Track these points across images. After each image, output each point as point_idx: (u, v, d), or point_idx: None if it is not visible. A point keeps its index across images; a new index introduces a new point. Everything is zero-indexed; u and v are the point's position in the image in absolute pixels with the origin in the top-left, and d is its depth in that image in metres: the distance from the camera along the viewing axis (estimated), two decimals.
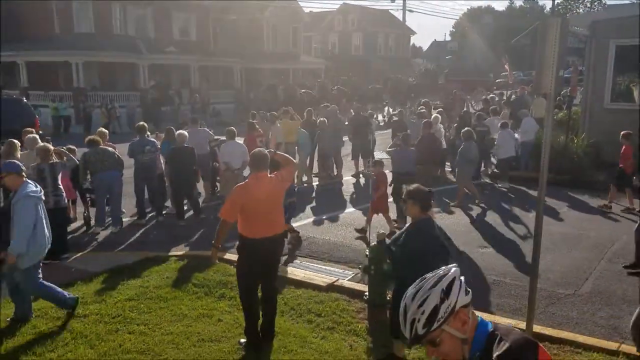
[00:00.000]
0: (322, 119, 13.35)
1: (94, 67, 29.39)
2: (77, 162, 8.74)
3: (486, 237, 8.74)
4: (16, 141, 7.98)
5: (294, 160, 6.05)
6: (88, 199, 9.47)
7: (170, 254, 7.92)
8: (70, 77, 27.96)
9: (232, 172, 10.04)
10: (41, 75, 28.57)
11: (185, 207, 10.02)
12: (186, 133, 9.79)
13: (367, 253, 6.16)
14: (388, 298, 5.98)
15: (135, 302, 6.05)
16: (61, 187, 7.66)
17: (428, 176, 9.96)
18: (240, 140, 11.01)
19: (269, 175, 5.15)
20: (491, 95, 22.37)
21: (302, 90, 28.94)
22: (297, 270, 7.15)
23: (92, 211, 9.40)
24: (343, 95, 27.29)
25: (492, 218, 9.91)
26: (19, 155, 7.89)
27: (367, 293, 6.16)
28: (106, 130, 10.46)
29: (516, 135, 12.77)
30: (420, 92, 29.44)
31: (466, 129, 11.27)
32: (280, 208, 5.37)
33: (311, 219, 10.02)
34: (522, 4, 78.06)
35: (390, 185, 9.25)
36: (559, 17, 4.42)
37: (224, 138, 10.86)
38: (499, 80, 41.39)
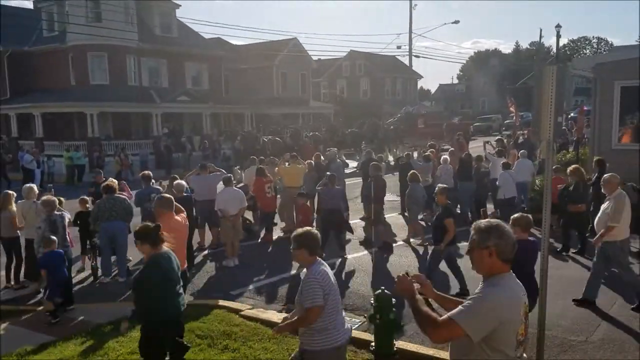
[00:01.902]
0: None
1: (108, 117, 30.08)
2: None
3: None
4: (12, 192, 8.08)
5: None
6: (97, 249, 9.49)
7: None
8: (85, 127, 28.61)
9: (228, 219, 9.96)
10: (56, 126, 29.26)
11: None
12: (184, 182, 9.82)
13: (372, 301, 6.07)
14: (395, 349, 5.87)
15: (137, 355, 5.96)
16: (68, 237, 7.73)
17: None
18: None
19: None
20: (498, 137, 22.41)
21: (311, 133, 28.91)
22: None
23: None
24: (319, 141, 26.19)
25: None
26: (14, 207, 7.99)
27: (373, 343, 6.03)
28: (115, 181, 10.59)
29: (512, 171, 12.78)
30: (399, 137, 28.75)
31: (411, 172, 11.76)
32: None
33: None
34: (528, 47, 79.29)
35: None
36: (556, 65, 4.46)
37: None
38: (507, 121, 41.60)
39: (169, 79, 33.40)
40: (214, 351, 6.15)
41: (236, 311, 7.34)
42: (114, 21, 28.54)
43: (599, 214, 7.46)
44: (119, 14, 29.35)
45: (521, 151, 14.66)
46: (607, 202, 7.30)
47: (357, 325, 6.97)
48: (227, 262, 9.89)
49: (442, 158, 15.89)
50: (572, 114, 29.70)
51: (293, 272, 9.50)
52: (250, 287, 8.76)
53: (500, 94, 49.91)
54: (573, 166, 10.10)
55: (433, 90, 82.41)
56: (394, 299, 5.99)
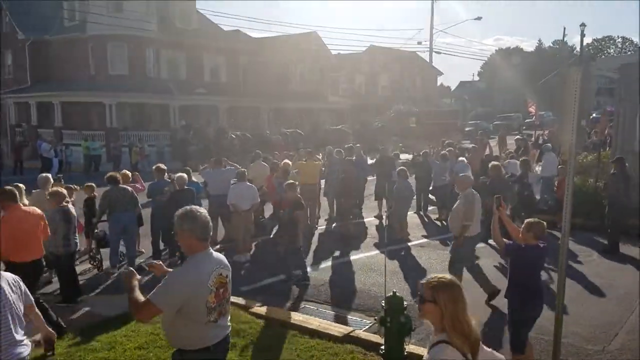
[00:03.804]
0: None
1: (127, 108, 30.22)
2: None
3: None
4: (22, 185, 8.08)
5: None
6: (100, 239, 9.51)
7: None
8: (104, 117, 28.78)
9: (239, 214, 9.88)
10: (75, 115, 29.48)
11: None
12: (185, 176, 9.71)
13: (383, 303, 5.94)
14: (405, 353, 5.74)
15: (145, 350, 5.93)
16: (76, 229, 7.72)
17: None
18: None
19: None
20: (518, 136, 22.04)
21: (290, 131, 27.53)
22: (311, 319, 6.94)
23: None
24: (299, 139, 25.20)
25: None
26: (26, 200, 7.96)
27: (383, 346, 5.91)
28: (129, 173, 10.59)
29: (537, 169, 12.49)
30: (389, 137, 27.48)
31: (400, 168, 11.52)
32: None
33: (329, 263, 9.83)
34: (551, 45, 78.07)
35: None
36: (580, 66, 4.27)
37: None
38: (528, 120, 41.04)
39: (187, 71, 33.43)
40: None
41: (245, 308, 7.26)
42: (134, 12, 28.64)
43: (451, 213, 7.94)
44: (139, 5, 29.45)
45: (545, 145, 14.37)
46: (458, 200, 7.81)
47: (367, 327, 6.85)
48: (238, 257, 9.82)
49: (459, 159, 15.66)
50: (594, 115, 29.15)
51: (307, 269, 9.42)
52: (261, 283, 8.68)
53: (521, 93, 49.18)
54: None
55: (453, 87, 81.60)
56: (405, 302, 5.86)
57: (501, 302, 7.58)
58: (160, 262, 3.82)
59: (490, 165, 11.66)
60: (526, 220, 5.59)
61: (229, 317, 3.63)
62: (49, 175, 9.28)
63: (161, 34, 31.01)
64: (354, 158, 13.89)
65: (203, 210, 3.48)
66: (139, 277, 3.48)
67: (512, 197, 10.59)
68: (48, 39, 30.87)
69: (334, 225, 12.98)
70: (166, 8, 32.37)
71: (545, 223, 5.58)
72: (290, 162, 13.08)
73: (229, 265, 3.63)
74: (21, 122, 31.75)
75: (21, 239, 5.94)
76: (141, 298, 3.30)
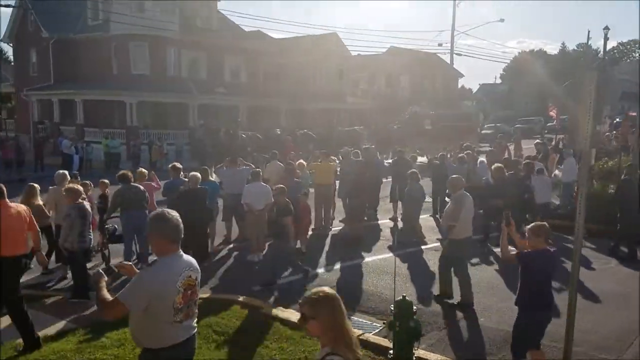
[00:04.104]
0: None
1: (147, 107, 30.53)
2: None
3: None
4: (36, 185, 8.17)
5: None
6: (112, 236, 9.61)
7: None
8: (124, 115, 29.15)
9: (253, 213, 9.90)
10: (97, 113, 29.88)
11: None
12: (199, 175, 9.72)
13: (392, 308, 5.89)
14: (414, 358, 5.68)
15: None
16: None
17: None
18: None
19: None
20: (537, 140, 21.72)
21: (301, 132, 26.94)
22: None
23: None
24: (310, 140, 24.82)
25: None
26: (39, 201, 8.07)
27: (392, 351, 5.86)
28: (146, 171, 10.68)
29: (557, 173, 12.32)
30: (404, 138, 26.91)
31: (412, 170, 11.34)
32: None
33: (342, 264, 9.79)
34: (575, 48, 76.91)
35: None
36: (596, 71, 4.17)
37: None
38: (549, 124, 40.45)
39: (207, 71, 33.66)
40: (230, 348, 6.09)
41: (256, 308, 7.28)
42: (156, 12, 28.95)
43: (443, 214, 8.02)
44: (161, 5, 29.76)
45: (564, 150, 14.18)
46: (449, 202, 7.94)
47: (377, 330, 6.80)
48: (251, 257, 9.85)
49: (479, 160, 15.51)
50: (617, 119, 28.62)
51: (318, 270, 9.41)
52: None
53: (543, 96, 48.53)
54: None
55: (475, 90, 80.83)
56: (415, 307, 5.81)
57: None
58: (131, 264, 3.88)
59: (493, 167, 11.90)
60: (532, 225, 5.46)
61: (195, 320, 3.68)
62: (66, 172, 9.41)
63: (182, 34, 31.27)
64: (361, 159, 13.81)
65: (175, 214, 3.53)
66: (106, 278, 3.59)
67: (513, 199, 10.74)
68: (72, 37, 31.35)
69: (343, 226, 12.87)
70: (188, 8, 32.64)
71: (546, 224, 5.48)
72: (304, 163, 13.08)
73: (198, 268, 3.69)
74: (44, 119, 32.29)
75: (7, 234, 5.98)
76: (109, 297, 3.41)
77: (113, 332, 6.35)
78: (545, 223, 5.48)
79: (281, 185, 9.12)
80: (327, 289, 2.82)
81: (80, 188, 7.83)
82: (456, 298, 7.80)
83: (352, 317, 7.27)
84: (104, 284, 3.49)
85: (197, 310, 3.69)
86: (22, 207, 6.36)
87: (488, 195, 11.74)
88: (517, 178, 11.74)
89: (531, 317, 5.35)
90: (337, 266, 9.68)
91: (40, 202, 8.63)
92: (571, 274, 4.55)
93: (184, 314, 3.50)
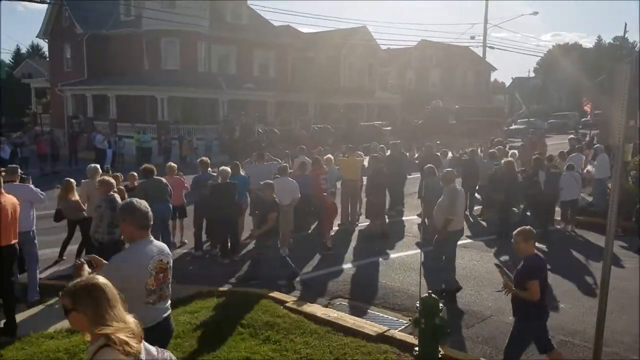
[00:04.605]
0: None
1: (178, 102, 30.95)
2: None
3: (556, 290, 8.12)
4: (72, 180, 8.33)
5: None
6: None
7: (221, 289, 7.92)
8: (155, 110, 29.59)
9: (281, 208, 9.89)
10: (129, 108, 30.41)
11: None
12: (229, 169, 9.81)
13: (418, 304, 5.83)
14: (440, 355, 5.62)
15: (181, 339, 6.03)
16: None
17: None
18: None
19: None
20: (572, 136, 21.22)
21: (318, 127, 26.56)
22: (346, 316, 6.90)
23: None
24: (329, 135, 24.32)
25: (563, 269, 9.23)
26: (76, 196, 8.23)
27: (417, 348, 5.80)
28: (174, 165, 10.81)
29: (590, 169, 12.09)
30: (427, 133, 26.24)
31: (428, 165, 11.17)
32: None
33: (368, 260, 9.74)
34: (612, 41, 74.72)
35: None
36: (629, 65, 4.03)
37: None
38: (584, 119, 39.49)
39: (236, 66, 33.92)
40: (256, 341, 6.12)
41: (281, 302, 7.30)
42: (187, 7, 29.25)
43: (436, 207, 7.99)
44: (192, 1, 30.05)
45: (596, 146, 13.88)
46: (443, 195, 7.97)
47: (403, 327, 6.75)
48: None
49: (510, 153, 15.28)
50: None
51: (344, 265, 9.39)
52: (298, 278, 8.70)
53: (578, 91, 47.36)
54: None
55: (507, 84, 79.39)
56: (441, 304, 5.74)
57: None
58: (100, 258, 3.94)
59: (503, 161, 12.15)
60: (521, 230, 5.29)
61: (169, 302, 3.88)
62: (98, 165, 9.58)
63: (213, 29, 31.56)
64: (384, 155, 13.71)
65: (143, 202, 3.79)
66: (89, 269, 3.65)
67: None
68: (105, 33, 31.95)
69: (369, 222, 12.75)
70: (218, 4, 32.89)
71: (529, 228, 5.36)
72: (332, 157, 13.03)
73: (170, 253, 3.92)
74: (78, 114, 33.02)
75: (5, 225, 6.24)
76: None
77: None
78: (526, 227, 5.35)
79: (268, 181, 8.82)
80: (92, 277, 2.66)
81: (113, 180, 7.96)
82: (400, 288, 8.07)
83: (377, 313, 7.25)
84: (85, 273, 3.54)
85: (169, 293, 3.87)
86: (13, 199, 6.57)
87: (492, 189, 11.98)
88: (527, 174, 11.92)
89: (538, 326, 5.19)
90: (363, 262, 9.65)
91: (77, 197, 8.82)
92: (602, 273, 4.43)
93: (157, 295, 3.70)
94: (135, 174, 10.50)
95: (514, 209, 12.31)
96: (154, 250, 3.74)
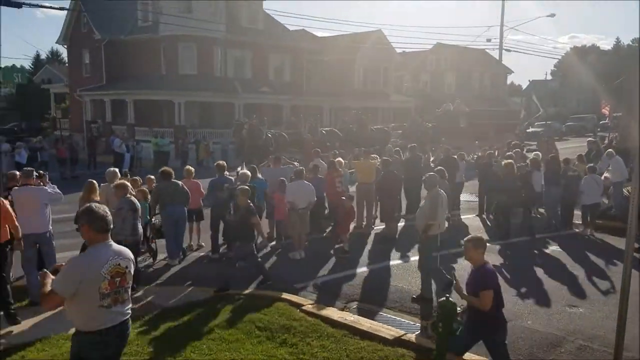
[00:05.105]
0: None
1: (194, 106, 31.21)
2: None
3: (575, 295, 8.04)
4: (94, 182, 8.45)
5: None
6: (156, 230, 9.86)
7: (238, 292, 7.96)
8: (173, 115, 29.87)
9: (296, 212, 9.94)
10: (147, 112, 30.72)
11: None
12: (249, 172, 9.91)
13: (435, 308, 5.81)
14: None
15: (199, 342, 6.09)
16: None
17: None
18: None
19: None
20: (590, 139, 20.97)
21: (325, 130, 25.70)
22: (363, 320, 6.89)
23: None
24: (336, 138, 23.69)
25: (582, 273, 9.13)
26: (98, 197, 8.35)
27: (434, 351, 5.78)
28: (192, 169, 10.89)
29: (606, 175, 11.99)
30: (438, 136, 26.07)
31: (439, 167, 10.99)
32: None
33: (384, 263, 9.72)
34: (630, 43, 73.68)
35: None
36: None
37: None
38: (602, 122, 39.00)
39: (252, 70, 34.11)
40: (272, 344, 6.14)
41: (298, 305, 7.32)
42: (203, 12, 29.49)
43: (418, 210, 8.17)
44: (208, 5, 30.30)
45: (608, 150, 13.78)
46: (425, 200, 8.10)
47: (419, 331, 6.72)
48: (293, 254, 9.91)
49: (533, 154, 15.20)
50: None
51: (360, 269, 9.38)
52: (315, 281, 8.71)
53: (596, 93, 46.77)
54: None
55: (524, 86, 78.68)
56: (459, 308, 5.71)
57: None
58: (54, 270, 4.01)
59: (503, 162, 12.44)
60: (470, 238, 5.31)
61: (129, 306, 3.96)
62: (116, 169, 9.71)
63: (229, 34, 31.78)
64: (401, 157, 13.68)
65: (102, 207, 3.89)
66: (53, 277, 3.79)
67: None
68: (122, 39, 32.34)
69: (379, 226, 12.70)
70: (234, 9, 33.13)
71: (478, 237, 5.45)
72: (342, 160, 13.04)
73: (130, 257, 3.96)
74: (97, 119, 33.42)
75: None
76: (48, 290, 3.70)
77: (160, 325, 6.52)
78: (477, 236, 5.39)
79: (243, 187, 8.68)
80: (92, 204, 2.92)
81: (128, 183, 8.07)
82: (416, 291, 7.96)
83: (393, 317, 7.23)
84: (49, 281, 3.72)
85: (128, 297, 3.93)
86: (2, 200, 6.79)
87: (493, 191, 12.40)
88: (521, 174, 12.13)
89: (491, 341, 5.15)
90: (379, 265, 9.62)
91: (99, 198, 8.95)
92: (622, 277, 4.37)
93: (112, 299, 3.77)
94: (153, 177, 10.61)
95: (516, 210, 12.37)
96: (110, 254, 3.79)
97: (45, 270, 3.95)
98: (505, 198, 11.54)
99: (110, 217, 3.84)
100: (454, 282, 5.32)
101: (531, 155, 14.98)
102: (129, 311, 3.96)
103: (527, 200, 11.94)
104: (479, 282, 5.06)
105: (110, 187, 8.94)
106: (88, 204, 3.95)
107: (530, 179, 12.23)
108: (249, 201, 8.27)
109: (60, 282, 3.66)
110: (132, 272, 3.97)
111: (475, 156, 16.49)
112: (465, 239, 5.34)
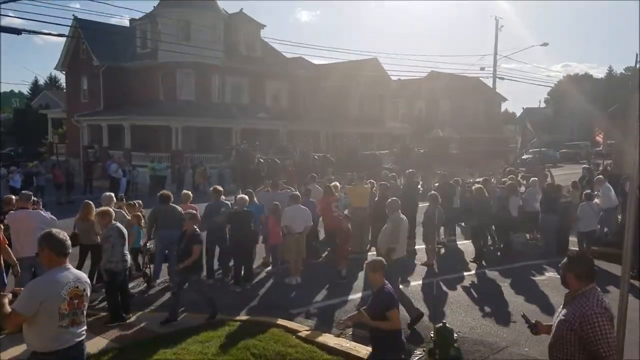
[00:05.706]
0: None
1: (192, 131, 31.36)
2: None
3: None
4: (91, 203, 8.44)
5: None
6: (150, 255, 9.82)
7: (232, 318, 7.88)
8: (170, 140, 29.97)
9: (293, 236, 9.93)
10: (144, 137, 30.79)
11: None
12: (246, 197, 9.93)
13: (432, 335, 5.78)
14: None
15: None
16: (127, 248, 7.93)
17: None
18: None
19: None
20: (585, 165, 21.10)
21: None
22: (359, 346, 6.80)
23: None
24: (328, 164, 24.06)
25: None
26: (94, 218, 8.33)
27: None
28: (190, 193, 10.88)
29: (596, 201, 12.04)
30: (429, 163, 25.90)
31: (432, 192, 11.58)
32: None
33: None
34: (623, 72, 74.80)
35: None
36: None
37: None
38: (597, 149, 39.26)
39: (249, 96, 34.45)
40: None
41: (293, 332, 7.25)
42: (202, 40, 29.86)
43: (379, 234, 8.32)
44: (207, 33, 30.70)
45: (597, 177, 13.88)
46: (387, 223, 8.26)
47: (417, 358, 6.65)
48: (289, 279, 9.86)
49: (531, 180, 15.27)
50: None
51: (356, 295, 9.30)
52: (311, 307, 8.64)
53: (589, 121, 47.21)
54: None
55: (518, 114, 79.43)
56: (456, 334, 5.68)
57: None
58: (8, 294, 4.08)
59: (473, 188, 12.89)
60: (367, 262, 5.46)
61: (84, 328, 4.09)
62: (112, 194, 9.70)
63: (227, 61, 32.15)
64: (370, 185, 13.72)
65: (62, 232, 4.05)
66: (10, 296, 3.91)
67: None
68: (121, 65, 32.65)
69: (373, 252, 12.63)
70: (232, 36, 33.57)
71: (377, 259, 5.60)
72: (338, 185, 13.08)
73: (88, 281, 4.15)
74: (93, 144, 33.48)
75: None
76: (9, 310, 3.78)
77: (152, 354, 6.44)
78: (380, 259, 5.53)
79: (191, 211, 8.54)
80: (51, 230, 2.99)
81: (111, 210, 8.06)
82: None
83: None
84: (6, 300, 3.80)
85: (84, 319, 4.09)
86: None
87: (467, 215, 12.80)
88: (497, 198, 12.65)
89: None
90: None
91: (94, 219, 8.93)
92: (619, 306, 4.36)
93: (70, 320, 3.92)
94: (141, 202, 10.68)
95: (488, 234, 12.78)
96: (69, 277, 3.95)
97: (3, 293, 4.00)
98: (476, 222, 11.99)
99: (69, 242, 4.01)
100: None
101: (529, 181, 15.06)
102: (84, 333, 4.09)
103: (504, 224, 12.39)
104: (384, 303, 5.12)
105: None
106: (49, 230, 4.10)
107: (507, 204, 12.42)
108: (243, 225, 8.27)
109: (22, 302, 3.77)
110: (89, 295, 4.14)
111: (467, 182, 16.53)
112: (366, 262, 5.49)
